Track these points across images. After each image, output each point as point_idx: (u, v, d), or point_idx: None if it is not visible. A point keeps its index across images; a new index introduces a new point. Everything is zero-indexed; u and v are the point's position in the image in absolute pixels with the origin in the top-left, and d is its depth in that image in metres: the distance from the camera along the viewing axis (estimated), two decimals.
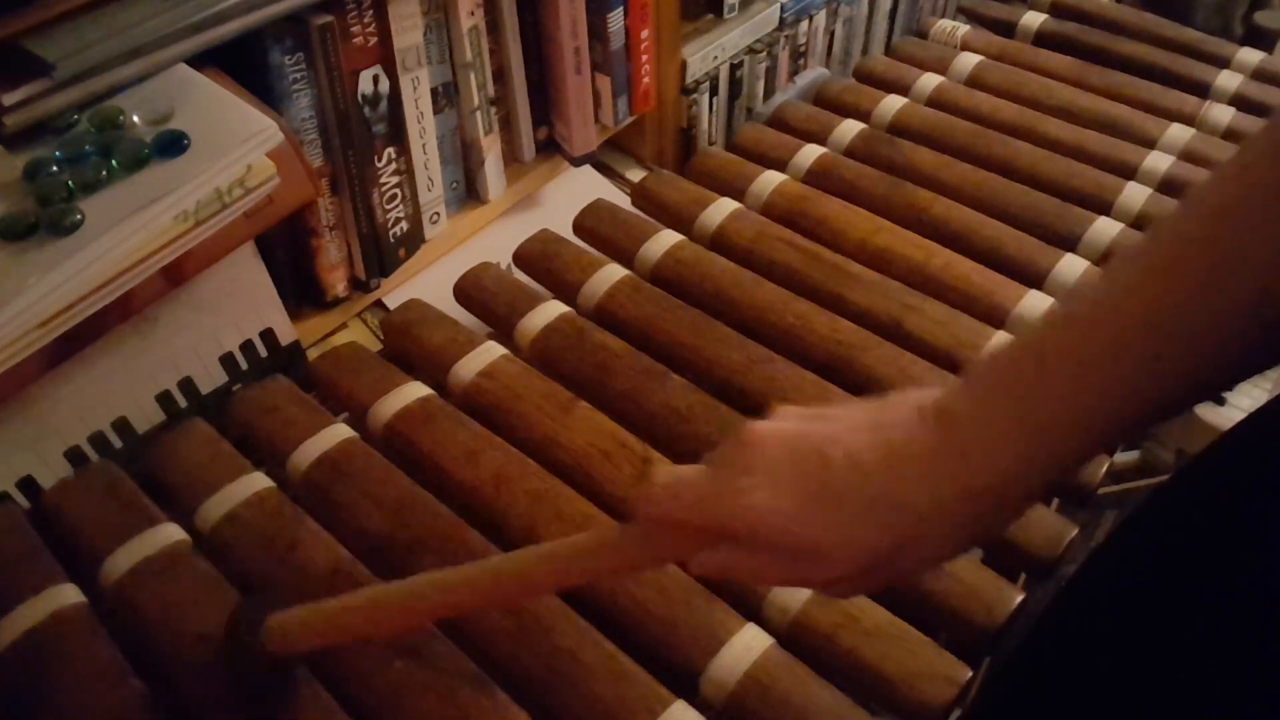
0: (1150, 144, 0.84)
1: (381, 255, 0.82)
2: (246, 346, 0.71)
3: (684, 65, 1.01)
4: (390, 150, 0.78)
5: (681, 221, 0.79)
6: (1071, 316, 0.33)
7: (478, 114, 0.85)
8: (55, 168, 0.59)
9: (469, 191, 0.91)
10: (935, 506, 0.33)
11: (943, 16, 1.12)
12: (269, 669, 0.49)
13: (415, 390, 0.66)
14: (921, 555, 0.34)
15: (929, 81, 0.92)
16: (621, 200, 0.83)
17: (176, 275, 0.61)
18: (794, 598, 0.53)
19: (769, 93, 1.12)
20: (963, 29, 1.00)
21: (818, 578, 0.36)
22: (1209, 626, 0.33)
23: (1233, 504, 0.34)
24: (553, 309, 0.71)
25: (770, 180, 0.81)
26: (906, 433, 0.34)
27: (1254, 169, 0.30)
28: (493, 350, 0.68)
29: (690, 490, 0.37)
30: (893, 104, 0.89)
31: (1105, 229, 0.75)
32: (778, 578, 0.38)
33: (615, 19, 0.89)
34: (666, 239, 0.76)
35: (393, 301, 0.82)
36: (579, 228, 0.79)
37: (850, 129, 0.87)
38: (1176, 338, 0.30)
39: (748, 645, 0.51)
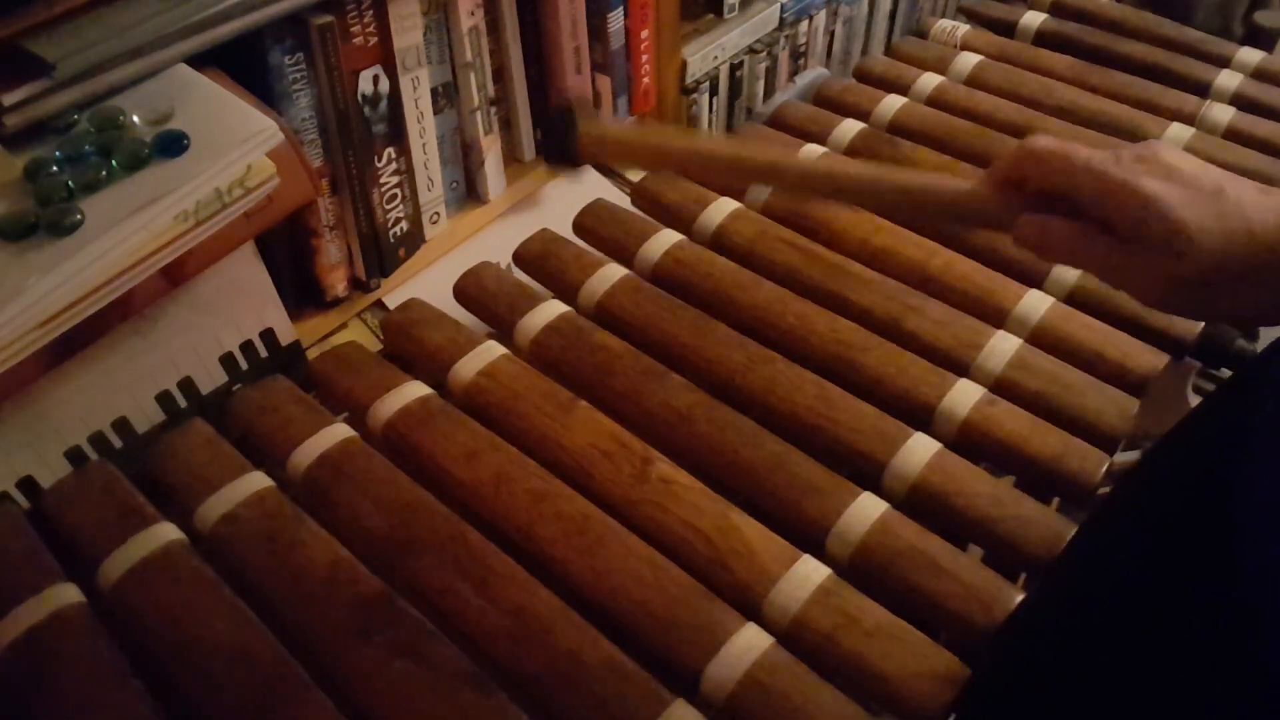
0: None
1: (381, 255, 0.82)
2: (246, 346, 0.71)
3: (684, 65, 1.01)
4: (390, 150, 0.78)
5: (681, 221, 0.79)
6: None
7: (478, 114, 0.85)
8: (55, 168, 0.59)
9: (469, 191, 0.91)
10: None
11: (943, 16, 1.12)
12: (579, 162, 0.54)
13: (415, 390, 0.66)
14: (1243, 302, 0.39)
15: (929, 81, 0.92)
16: (621, 200, 0.83)
17: (176, 275, 0.61)
18: (794, 598, 0.53)
19: (769, 93, 1.12)
20: (963, 29, 1.00)
21: (1154, 270, 0.40)
22: (1179, 609, 0.33)
23: (1199, 485, 0.35)
24: (553, 309, 0.71)
25: None
26: None
27: None
28: (493, 350, 0.68)
29: (1087, 154, 0.42)
30: (893, 104, 0.89)
31: None
32: (1105, 260, 0.42)
33: (615, 19, 0.90)
34: (666, 239, 0.76)
35: (393, 301, 0.82)
36: (579, 228, 0.79)
37: (850, 129, 0.87)
38: None
39: (748, 645, 0.51)
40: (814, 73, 1.04)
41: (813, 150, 0.84)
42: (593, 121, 0.53)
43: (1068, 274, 0.72)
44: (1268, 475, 0.31)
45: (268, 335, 0.72)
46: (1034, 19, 1.01)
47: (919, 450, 0.60)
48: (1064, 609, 0.41)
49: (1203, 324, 0.69)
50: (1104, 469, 0.60)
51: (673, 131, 0.53)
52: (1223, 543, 0.31)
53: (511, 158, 0.93)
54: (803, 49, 1.14)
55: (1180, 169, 0.40)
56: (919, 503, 0.59)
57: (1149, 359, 0.66)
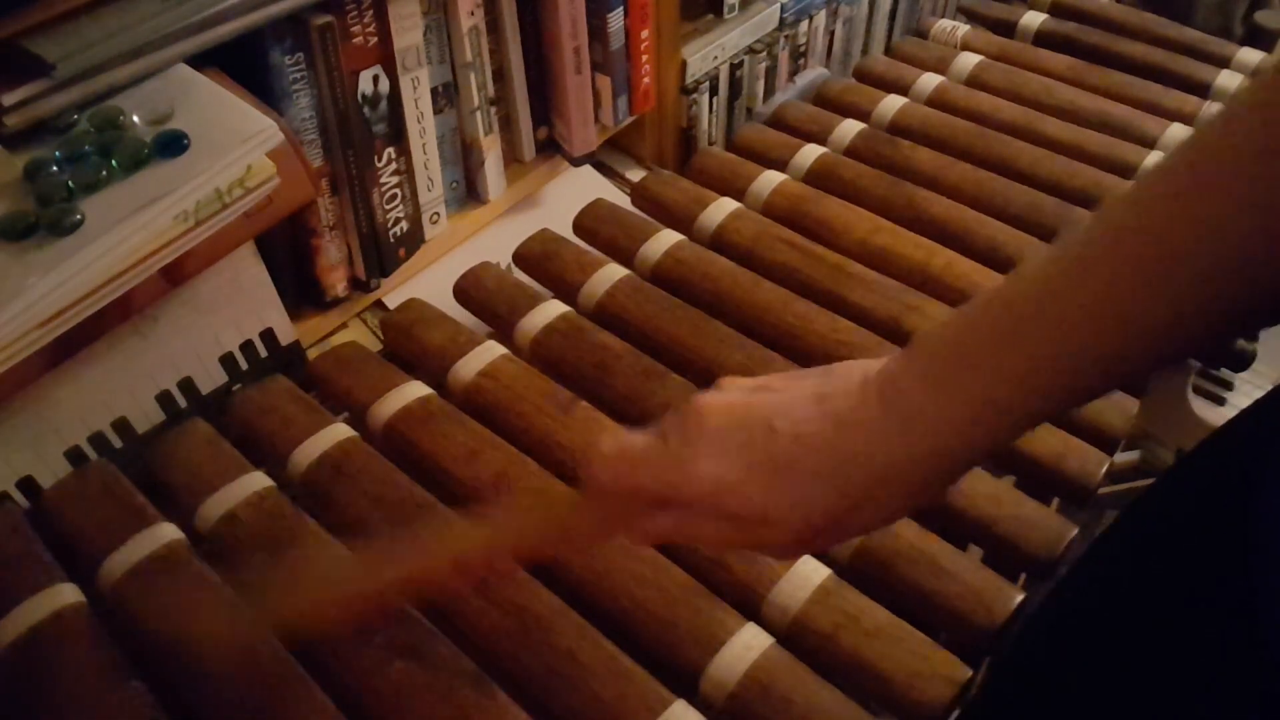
0: (1150, 144, 0.84)
1: (381, 255, 0.82)
2: (246, 346, 0.71)
3: (684, 65, 1.01)
4: (390, 150, 0.78)
5: (681, 221, 0.79)
6: (1009, 291, 0.33)
7: (478, 114, 0.85)
8: (55, 168, 0.59)
9: (469, 191, 0.91)
10: (879, 474, 0.34)
11: (943, 16, 1.12)
12: None
13: (415, 390, 0.66)
14: (864, 520, 0.35)
15: (929, 81, 0.92)
16: (621, 200, 0.83)
17: (176, 275, 0.61)
18: (794, 598, 0.53)
19: (769, 93, 1.12)
20: (963, 29, 1.00)
21: (761, 541, 0.37)
22: (1194, 623, 0.33)
23: (1220, 501, 0.34)
24: (553, 309, 0.71)
25: (770, 180, 0.81)
26: (850, 402, 0.34)
27: (1197, 168, 0.30)
28: (493, 350, 0.68)
29: (637, 458, 0.38)
30: (893, 104, 0.89)
31: None
32: (724, 542, 0.39)
33: (615, 19, 0.89)
34: (666, 239, 0.76)
35: (393, 301, 0.82)
36: (579, 228, 0.79)
37: (850, 129, 0.87)
38: (1114, 315, 0.30)
39: (748, 645, 0.51)
40: (814, 73, 1.04)
41: (812, 150, 0.84)
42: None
43: None
44: None
45: (268, 335, 0.72)
46: (1034, 19, 1.01)
47: None
48: (1077, 620, 0.41)
49: None
50: (1104, 469, 0.60)
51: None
52: (1238, 562, 0.31)
53: (511, 158, 0.93)
54: (803, 49, 1.14)
55: (727, 428, 0.36)
56: None
57: None
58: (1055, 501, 0.65)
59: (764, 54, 1.08)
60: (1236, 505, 0.32)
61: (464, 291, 0.74)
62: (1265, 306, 0.29)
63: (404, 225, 0.82)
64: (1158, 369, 0.33)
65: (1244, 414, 0.37)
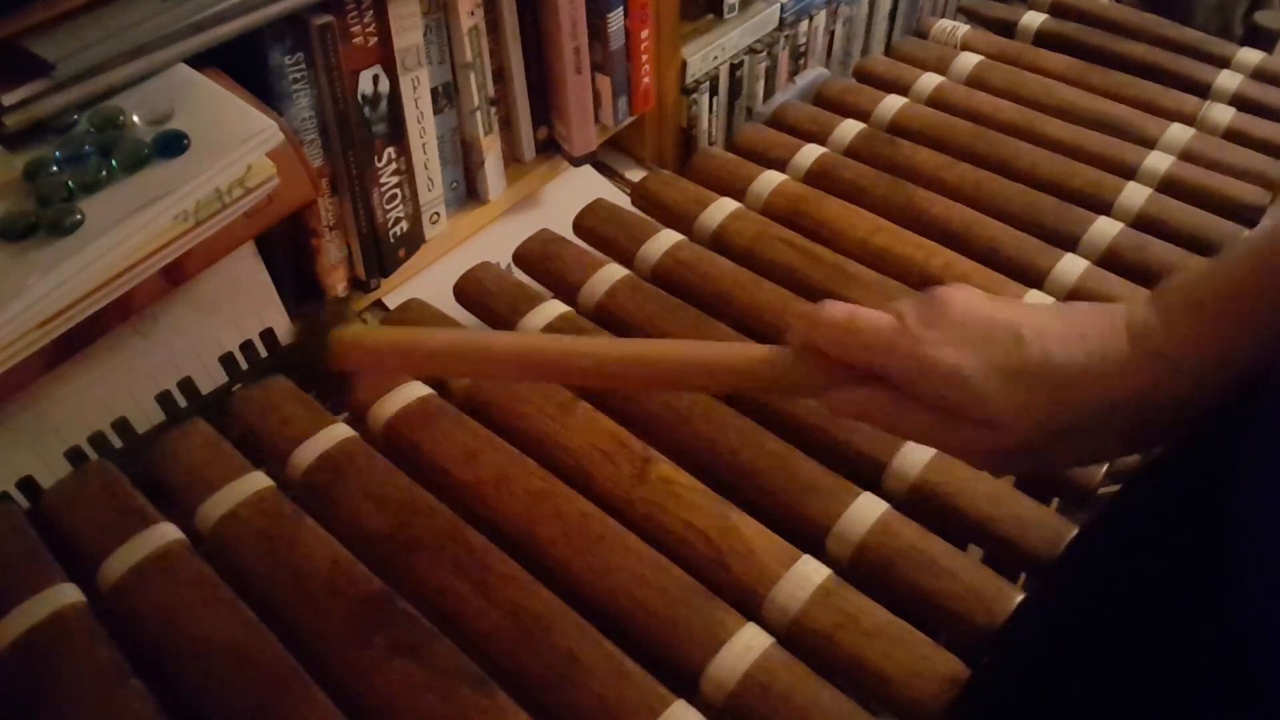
0: (1150, 144, 0.84)
1: (381, 255, 0.82)
2: (246, 346, 0.71)
3: (684, 65, 1.01)
4: (390, 150, 0.78)
5: (681, 221, 0.79)
6: (1258, 243, 0.34)
7: (478, 114, 0.85)
8: (55, 168, 0.59)
9: (469, 191, 0.91)
10: (1113, 407, 0.34)
11: (943, 16, 1.12)
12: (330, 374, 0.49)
13: (415, 390, 0.66)
14: (1079, 449, 0.36)
15: (929, 81, 0.92)
16: (621, 200, 0.83)
17: (176, 275, 0.61)
18: (794, 598, 0.53)
19: (769, 93, 1.12)
20: (963, 29, 1.00)
21: (969, 444, 0.37)
22: (1171, 618, 0.33)
23: (1197, 496, 0.34)
24: (553, 309, 0.71)
25: (770, 180, 0.81)
26: (1100, 333, 0.35)
27: None
28: None
29: (872, 323, 0.38)
30: (893, 104, 0.89)
31: (1105, 229, 0.75)
32: (926, 433, 0.38)
33: (615, 19, 0.90)
34: (666, 239, 0.76)
35: (393, 301, 0.82)
36: (579, 228, 0.79)
37: (850, 129, 0.87)
38: None
39: (748, 645, 0.51)
40: (814, 73, 1.04)
41: (812, 150, 0.84)
42: (345, 330, 0.48)
43: (1067, 274, 0.72)
44: (1261, 493, 0.30)
45: (268, 335, 0.72)
46: (1034, 19, 1.01)
47: (919, 450, 0.60)
48: (1060, 616, 0.41)
49: None
50: (1104, 469, 0.60)
51: (429, 330, 0.47)
52: (1216, 557, 0.31)
53: (511, 158, 0.93)
54: (803, 49, 1.14)
55: (972, 324, 0.36)
56: (919, 503, 0.59)
57: None
58: (1055, 501, 0.65)
59: (764, 54, 1.08)
60: (1214, 499, 0.32)
61: (464, 291, 0.74)
62: None
63: (404, 225, 0.82)
64: None
65: (1236, 401, 0.37)
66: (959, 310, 0.37)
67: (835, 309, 0.39)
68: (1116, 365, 0.34)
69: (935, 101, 0.91)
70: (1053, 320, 0.36)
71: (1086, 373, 0.35)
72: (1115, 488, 0.42)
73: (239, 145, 0.61)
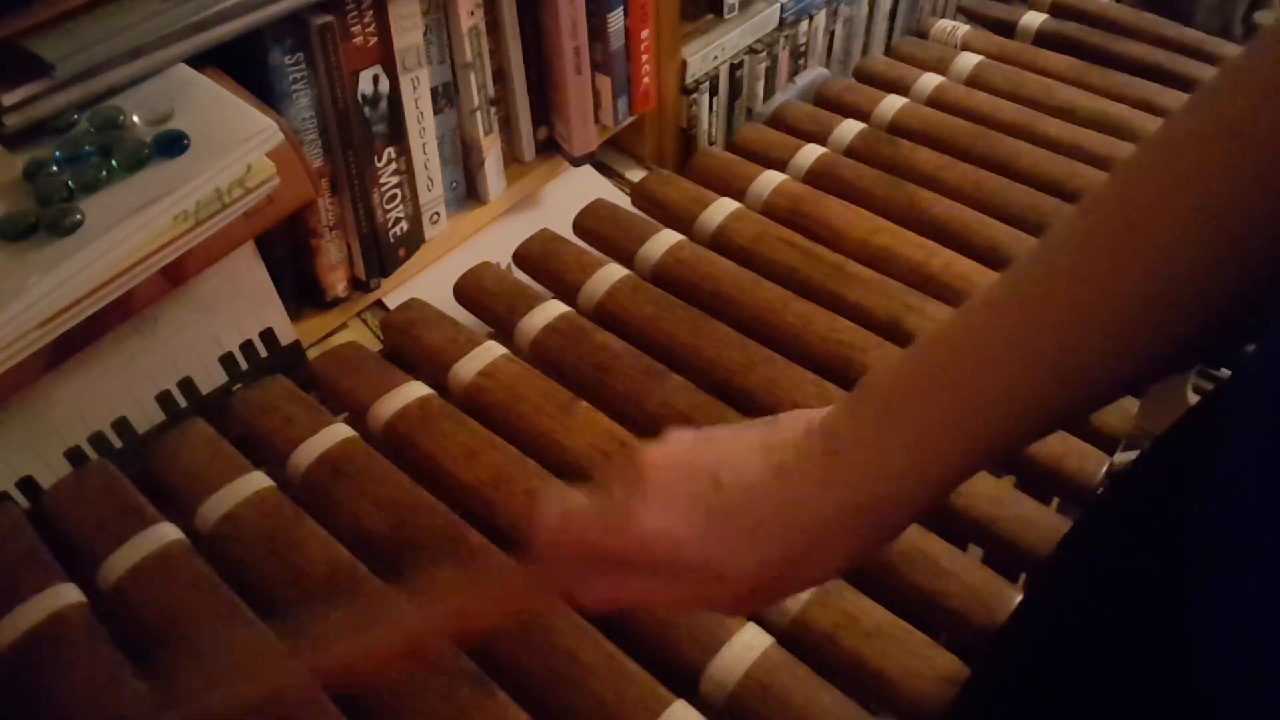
0: None
1: (381, 255, 0.82)
2: (246, 346, 0.71)
3: (684, 65, 1.01)
4: (390, 150, 0.78)
5: (681, 221, 0.79)
6: (949, 333, 0.34)
7: (478, 114, 0.85)
8: (55, 168, 0.59)
9: (469, 191, 0.91)
10: (823, 523, 0.34)
11: (943, 16, 1.12)
12: None
13: (415, 390, 0.66)
14: (810, 571, 0.35)
15: (929, 81, 0.92)
16: (621, 200, 0.83)
17: (176, 275, 0.61)
18: (794, 598, 0.53)
19: (769, 93, 1.12)
20: (963, 29, 1.00)
21: (710, 598, 0.36)
22: (1137, 627, 0.33)
23: (1163, 505, 0.34)
24: (553, 309, 0.71)
25: (770, 180, 0.81)
26: (794, 452, 0.34)
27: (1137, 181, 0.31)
28: (493, 350, 0.68)
29: (582, 518, 0.37)
30: (893, 104, 0.89)
31: None
32: (672, 601, 0.38)
33: (615, 19, 0.89)
34: (666, 239, 0.76)
35: (393, 301, 0.82)
36: (579, 228, 0.79)
37: (850, 129, 0.87)
38: (1053, 347, 0.31)
39: (748, 645, 0.51)
40: (814, 73, 1.04)
41: (812, 150, 0.84)
42: None
43: None
44: (1210, 499, 0.31)
45: (268, 335, 0.72)
46: (1034, 19, 1.01)
47: None
48: (1060, 616, 0.42)
49: None
50: (1104, 469, 0.60)
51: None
52: (1178, 568, 0.31)
53: (511, 158, 0.93)
54: (803, 49, 1.14)
55: (672, 481, 0.35)
56: None
57: None
58: (1055, 501, 0.65)
59: (764, 54, 1.08)
60: (1177, 507, 0.32)
61: (464, 291, 0.74)
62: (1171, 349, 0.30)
63: (404, 225, 0.82)
64: (1089, 410, 0.34)
65: (1196, 408, 0.37)
66: (660, 470, 0.36)
67: (546, 507, 0.38)
68: (816, 481, 0.34)
69: (935, 101, 0.91)
70: (749, 449, 0.35)
71: (784, 493, 0.34)
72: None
73: (239, 145, 0.61)
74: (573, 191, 0.95)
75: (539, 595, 0.42)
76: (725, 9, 1.03)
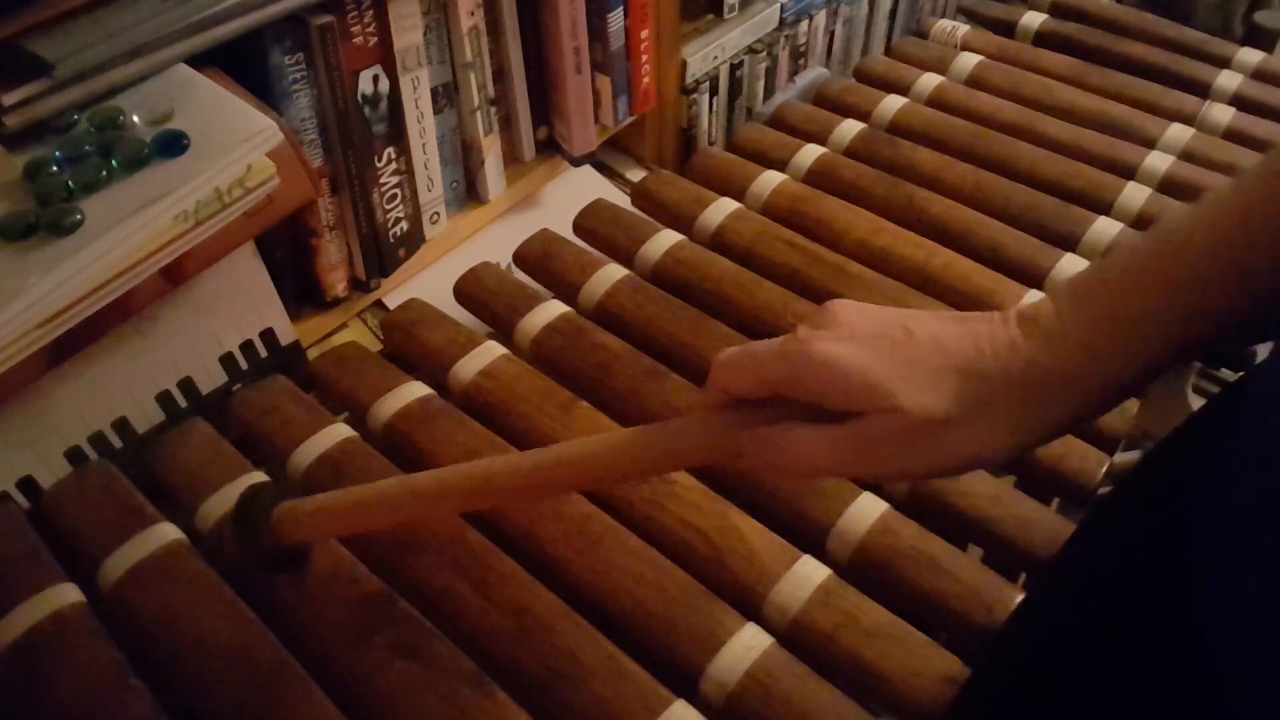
0: (1150, 144, 0.84)
1: (381, 255, 0.82)
2: (246, 346, 0.71)
3: (684, 65, 1.01)
4: (390, 150, 0.78)
5: (681, 221, 0.79)
6: (1145, 240, 0.35)
7: (478, 114, 0.85)
8: (55, 168, 0.59)
9: (469, 191, 0.91)
10: (1006, 380, 0.34)
11: (943, 16, 1.12)
12: (276, 553, 0.51)
13: (415, 390, 0.66)
14: (977, 435, 0.35)
15: (929, 81, 0.92)
16: (621, 200, 0.83)
17: (176, 275, 0.61)
18: (794, 598, 0.53)
19: (769, 93, 1.12)
20: (963, 29, 1.00)
21: (876, 437, 0.36)
22: (1166, 617, 0.33)
23: (1173, 504, 0.35)
24: (553, 309, 0.71)
25: (770, 180, 0.81)
26: (990, 327, 0.36)
27: None
28: (493, 350, 0.68)
29: (761, 347, 0.38)
30: (893, 104, 0.89)
31: (1105, 229, 0.75)
32: (832, 445, 0.37)
33: (615, 19, 0.90)
34: (666, 239, 0.76)
35: (393, 301, 0.82)
36: (579, 228, 0.79)
37: (850, 129, 0.87)
38: (1258, 246, 0.31)
39: (748, 645, 0.51)
40: (814, 73, 1.04)
41: (812, 150, 0.84)
42: (283, 507, 0.49)
43: (1067, 274, 0.72)
44: (1217, 498, 0.31)
45: (268, 335, 0.72)
46: (1034, 19, 1.01)
47: None
48: (1060, 616, 0.42)
49: None
50: (1104, 469, 0.60)
51: (358, 488, 0.48)
52: (1187, 557, 0.31)
53: (511, 158, 0.93)
54: (803, 49, 1.14)
55: (860, 323, 0.37)
56: (919, 502, 0.59)
57: None
58: (1055, 501, 0.65)
59: (764, 54, 1.08)
60: (1190, 502, 0.32)
61: (464, 291, 0.74)
62: None
63: (404, 225, 0.82)
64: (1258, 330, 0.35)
65: (1203, 409, 0.37)
66: (846, 314, 0.38)
67: (728, 350, 0.39)
68: (1005, 344, 0.35)
69: (935, 101, 0.91)
70: (942, 317, 0.37)
71: (972, 350, 0.35)
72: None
73: (239, 145, 0.61)
74: (573, 191, 0.95)
75: (707, 441, 0.41)
76: (725, 9, 1.03)
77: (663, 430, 0.41)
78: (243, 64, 0.68)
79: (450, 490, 0.47)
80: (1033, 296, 0.70)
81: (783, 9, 1.08)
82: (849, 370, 0.35)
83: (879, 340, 0.36)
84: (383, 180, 0.79)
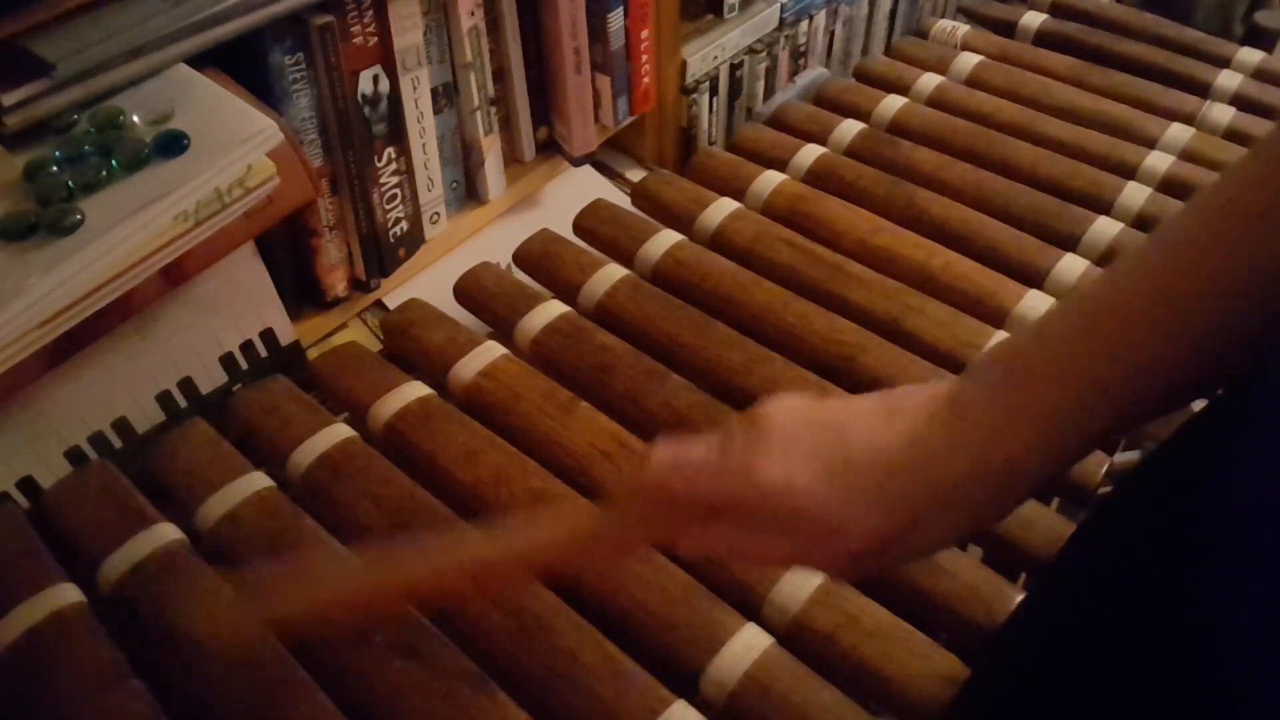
0: (1150, 144, 0.84)
1: (381, 255, 0.82)
2: (246, 346, 0.71)
3: (684, 65, 1.01)
4: (390, 150, 0.78)
5: (681, 221, 0.79)
6: (1072, 306, 0.34)
7: (478, 114, 0.85)
8: (55, 168, 0.59)
9: (469, 191, 0.91)
10: (949, 487, 0.34)
11: (943, 16, 1.12)
12: None
13: (415, 390, 0.66)
14: (927, 537, 0.35)
15: (929, 81, 0.92)
16: (621, 200, 0.83)
17: (176, 275, 0.61)
18: (794, 598, 0.53)
19: (769, 93, 1.12)
20: (963, 29, 1.00)
21: (823, 556, 0.36)
22: (1168, 617, 0.33)
23: (1181, 499, 0.35)
24: (553, 309, 0.71)
25: (770, 180, 0.81)
26: (919, 418, 0.35)
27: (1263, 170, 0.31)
28: (493, 350, 0.68)
29: (698, 464, 0.37)
30: (893, 104, 0.89)
31: (1105, 229, 0.75)
32: (780, 556, 0.38)
33: (615, 19, 0.89)
34: (666, 239, 0.76)
35: (393, 301, 0.82)
36: (579, 228, 0.79)
37: (850, 129, 0.87)
38: (1175, 320, 0.31)
39: (748, 645, 0.51)
40: (814, 73, 1.04)
41: (812, 150, 0.84)
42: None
43: (1067, 274, 0.72)
44: (1240, 495, 0.31)
45: (268, 335, 0.72)
46: (1034, 19, 1.01)
47: None
48: (1060, 616, 0.42)
49: None
50: (1104, 469, 0.60)
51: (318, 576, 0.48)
52: (1199, 557, 0.31)
53: (511, 158, 0.93)
54: (803, 49, 1.14)
55: (794, 434, 0.35)
56: None
57: None
58: (1055, 501, 0.65)
59: (764, 54, 1.08)
60: (1199, 500, 0.32)
61: (464, 291, 0.74)
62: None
63: (404, 225, 0.82)
64: (1203, 391, 0.34)
65: (1209, 407, 0.37)
66: (785, 425, 0.36)
67: (660, 453, 0.38)
68: (943, 444, 0.34)
69: (935, 101, 0.91)
70: (873, 411, 0.36)
71: (911, 453, 0.34)
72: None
73: (239, 145, 0.61)
74: (573, 191, 0.95)
75: (635, 536, 0.41)
76: (725, 9, 1.03)
77: (588, 525, 0.41)
78: (243, 64, 0.68)
79: (370, 599, 0.46)
80: (1033, 297, 0.70)
81: (783, 9, 1.08)
82: (798, 505, 0.35)
83: (815, 455, 0.35)
84: (383, 180, 0.79)
